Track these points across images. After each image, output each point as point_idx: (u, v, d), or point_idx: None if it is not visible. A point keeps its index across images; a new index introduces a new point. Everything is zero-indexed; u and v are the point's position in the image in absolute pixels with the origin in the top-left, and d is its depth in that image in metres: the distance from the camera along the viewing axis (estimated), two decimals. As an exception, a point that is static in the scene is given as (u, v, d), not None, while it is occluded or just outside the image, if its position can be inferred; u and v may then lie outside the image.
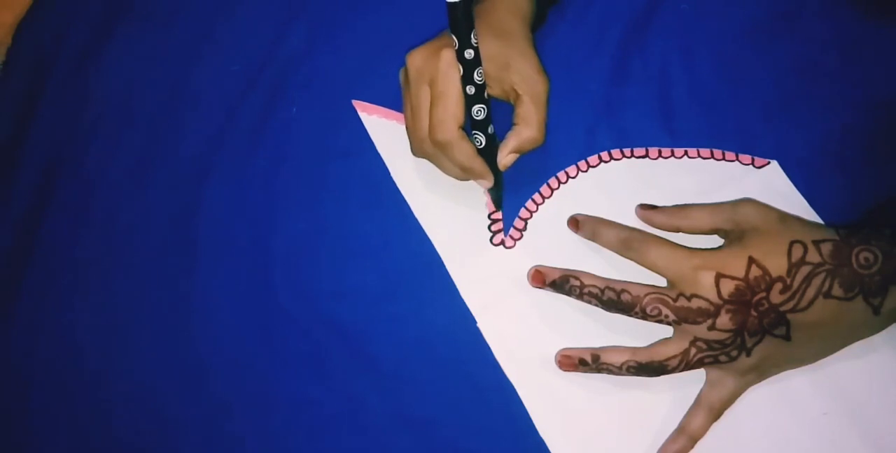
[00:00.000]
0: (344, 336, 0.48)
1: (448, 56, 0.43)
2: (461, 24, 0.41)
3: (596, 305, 0.44)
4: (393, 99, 0.52)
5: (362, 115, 0.52)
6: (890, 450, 0.43)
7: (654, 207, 0.47)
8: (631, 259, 0.44)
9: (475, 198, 0.50)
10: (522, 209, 0.49)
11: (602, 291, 0.43)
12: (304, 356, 0.48)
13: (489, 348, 0.47)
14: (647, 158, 0.49)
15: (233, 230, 0.51)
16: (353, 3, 0.56)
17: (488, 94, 0.44)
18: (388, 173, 0.51)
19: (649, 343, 0.43)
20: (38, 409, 0.50)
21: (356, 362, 0.48)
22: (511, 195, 0.49)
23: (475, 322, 0.47)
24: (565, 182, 0.49)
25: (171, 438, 0.48)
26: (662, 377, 0.43)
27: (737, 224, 0.43)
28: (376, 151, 0.51)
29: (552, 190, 0.49)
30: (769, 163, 0.48)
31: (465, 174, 0.46)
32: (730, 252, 0.41)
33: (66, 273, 0.53)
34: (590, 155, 0.49)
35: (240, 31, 0.57)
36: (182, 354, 0.49)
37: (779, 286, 0.40)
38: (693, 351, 0.41)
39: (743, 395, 0.44)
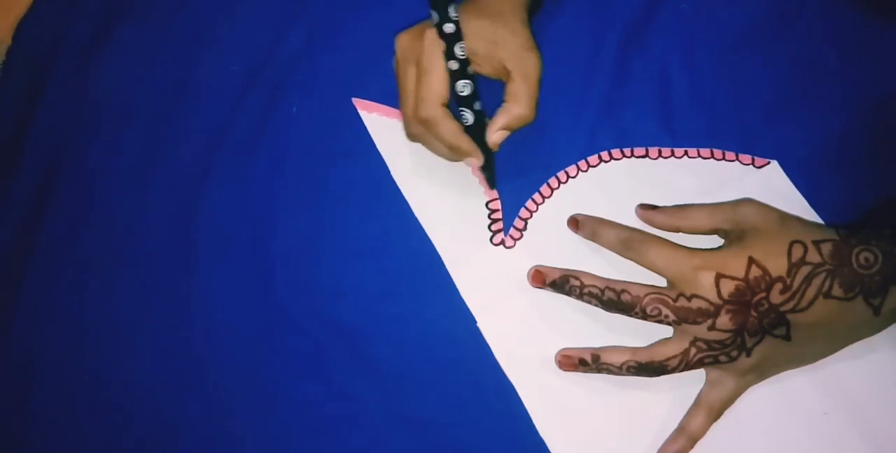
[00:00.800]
0: (344, 336, 0.48)
1: (432, 35, 0.44)
2: None
3: (596, 305, 0.44)
4: (393, 98, 0.52)
5: (362, 113, 0.52)
6: (890, 450, 0.43)
7: (654, 207, 0.47)
8: (631, 259, 0.44)
9: (475, 197, 0.50)
10: (522, 209, 0.49)
11: (602, 291, 0.43)
12: (304, 356, 0.48)
13: (489, 348, 0.47)
14: (647, 158, 0.49)
15: (233, 230, 0.51)
16: (353, 3, 0.56)
17: (479, 72, 0.45)
18: (389, 173, 0.51)
19: (649, 343, 0.43)
20: (38, 409, 0.50)
21: (356, 362, 0.48)
22: (511, 195, 0.49)
23: (475, 322, 0.47)
24: (565, 182, 0.49)
25: (171, 438, 0.48)
26: (662, 377, 0.43)
27: (737, 224, 0.43)
28: (376, 151, 0.51)
29: (552, 190, 0.49)
30: (769, 163, 0.48)
31: (452, 153, 0.46)
32: (730, 252, 0.41)
33: (66, 273, 0.53)
34: (590, 155, 0.49)
35: (240, 31, 0.57)
36: (182, 354, 0.49)
37: (779, 286, 0.40)
38: (693, 351, 0.41)
39: (743, 395, 0.44)
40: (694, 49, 0.51)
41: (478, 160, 0.46)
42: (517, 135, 0.48)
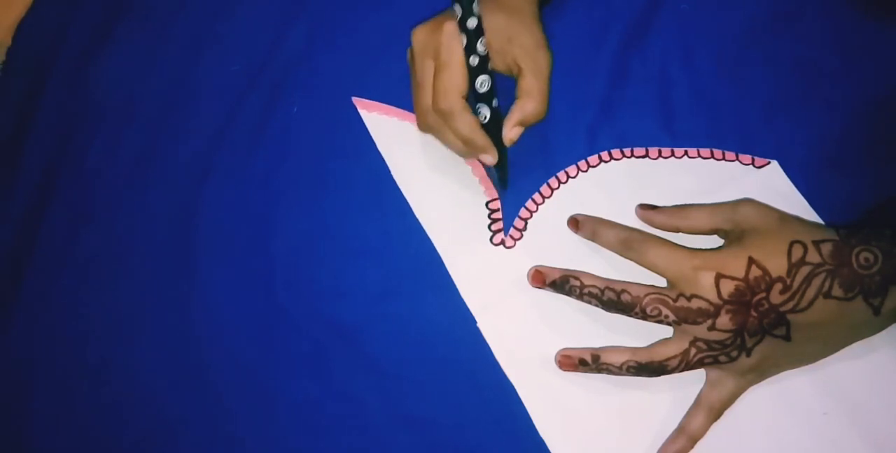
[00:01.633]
0: (344, 336, 0.48)
1: (450, 28, 0.44)
2: None
3: (596, 305, 0.44)
4: (393, 98, 0.52)
5: (362, 112, 0.52)
6: (890, 450, 0.43)
7: (654, 207, 0.47)
8: (631, 259, 0.44)
9: (475, 197, 0.50)
10: (522, 209, 0.49)
11: (602, 291, 0.43)
12: (304, 356, 0.48)
13: (489, 348, 0.47)
14: (647, 158, 0.49)
15: (233, 230, 0.51)
16: (353, 2, 0.56)
17: (492, 68, 0.45)
18: (389, 173, 0.51)
19: (649, 343, 0.43)
20: (38, 409, 0.50)
21: (356, 362, 0.48)
22: (511, 195, 0.49)
23: (475, 322, 0.47)
24: (565, 182, 0.49)
25: (171, 438, 0.48)
26: (662, 377, 0.43)
27: (737, 224, 0.43)
28: (376, 151, 0.51)
29: (552, 190, 0.49)
30: (769, 163, 0.48)
31: (467, 148, 0.46)
32: (730, 252, 0.41)
33: (66, 273, 0.53)
34: (590, 155, 0.49)
35: (240, 31, 0.57)
36: (182, 354, 0.49)
37: (779, 286, 0.40)
38: (693, 351, 0.41)
39: (743, 395, 0.44)
40: (694, 49, 0.51)
41: (492, 157, 0.46)
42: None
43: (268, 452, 0.47)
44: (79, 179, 0.55)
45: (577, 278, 0.44)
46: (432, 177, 0.50)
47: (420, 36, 0.46)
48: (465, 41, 0.43)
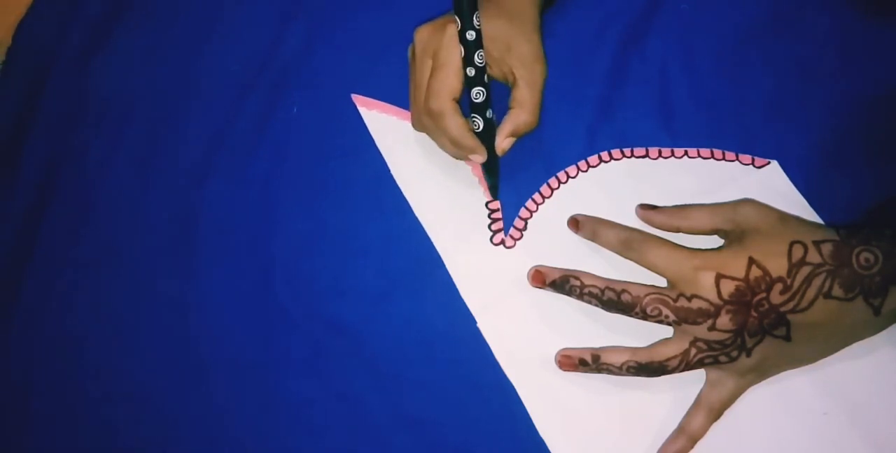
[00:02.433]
0: (344, 336, 0.48)
1: (453, 30, 0.44)
2: (464, 4, 0.41)
3: (596, 305, 0.44)
4: (393, 98, 0.52)
5: (361, 110, 0.52)
6: (890, 450, 0.43)
7: (654, 207, 0.47)
8: (631, 259, 0.44)
9: (476, 197, 0.50)
10: (522, 209, 0.49)
11: (602, 291, 0.43)
12: (304, 356, 0.48)
13: (489, 348, 0.47)
14: (647, 158, 0.49)
15: (233, 230, 0.51)
16: (352, 2, 0.56)
17: (488, 77, 0.45)
18: (388, 173, 0.51)
19: (649, 343, 0.43)
20: (38, 409, 0.50)
21: (356, 362, 0.48)
22: (511, 195, 0.49)
23: (475, 322, 0.47)
24: (565, 182, 0.49)
25: (170, 438, 0.48)
26: (662, 377, 0.43)
27: (737, 224, 0.43)
28: (376, 151, 0.51)
29: (552, 190, 0.49)
30: (769, 163, 0.48)
31: (457, 149, 0.46)
32: (730, 252, 0.41)
33: (66, 273, 0.53)
34: (590, 155, 0.49)
35: (240, 31, 0.57)
36: (182, 354, 0.49)
37: (779, 286, 0.40)
38: (693, 351, 0.41)
39: (743, 395, 0.44)
40: (694, 49, 0.51)
41: (481, 156, 0.46)
42: (517, 135, 0.48)
43: (267, 452, 0.47)
44: (79, 179, 0.55)
45: (577, 278, 0.44)
46: (432, 176, 0.50)
47: (423, 35, 0.46)
48: (463, 52, 0.43)
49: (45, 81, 0.58)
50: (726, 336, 0.40)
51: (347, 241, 0.50)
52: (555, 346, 0.46)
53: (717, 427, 0.44)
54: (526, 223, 0.49)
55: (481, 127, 0.46)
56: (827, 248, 0.40)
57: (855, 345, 0.43)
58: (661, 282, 0.43)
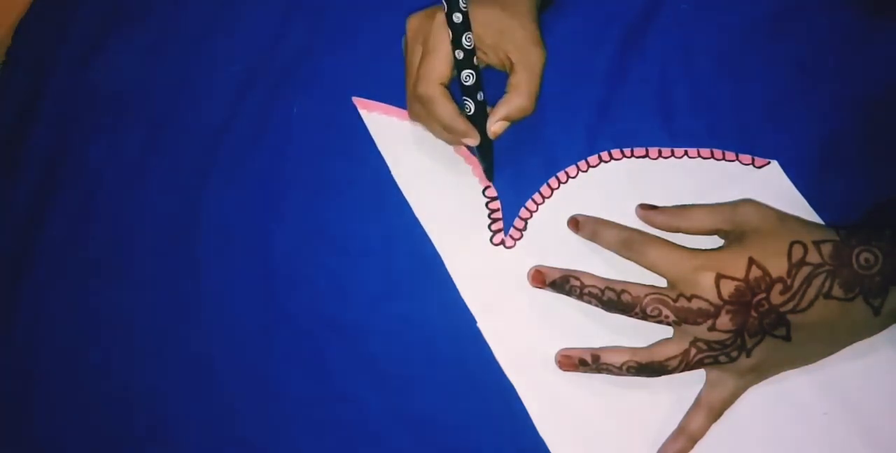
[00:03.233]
0: (344, 336, 0.48)
1: (442, 17, 0.44)
2: None
3: (596, 305, 0.44)
4: (393, 98, 0.52)
5: (362, 112, 0.52)
6: (890, 450, 0.43)
7: (654, 207, 0.47)
8: (631, 259, 0.44)
9: (476, 197, 0.50)
10: (522, 209, 0.49)
11: (602, 291, 0.43)
12: (305, 356, 0.48)
13: (489, 348, 0.47)
14: (647, 158, 0.49)
15: (233, 230, 0.51)
16: (353, 2, 0.56)
17: (484, 61, 0.45)
18: (389, 173, 0.51)
19: (649, 343, 0.43)
20: (40, 409, 0.50)
21: (356, 362, 0.48)
22: (511, 195, 0.49)
23: (475, 322, 0.47)
24: (565, 182, 0.49)
25: (171, 437, 0.48)
26: (662, 377, 0.43)
27: (737, 224, 0.43)
28: (376, 151, 0.51)
29: (552, 190, 0.49)
30: (769, 163, 0.48)
31: (449, 134, 0.46)
32: (730, 252, 0.41)
33: (67, 273, 0.53)
34: (590, 155, 0.49)
35: (240, 30, 0.57)
36: (182, 353, 0.49)
37: (779, 287, 0.40)
38: (693, 351, 0.41)
39: (743, 395, 0.44)
40: (694, 49, 0.51)
41: (473, 140, 0.46)
42: (517, 134, 0.48)
43: (268, 451, 0.47)
44: (79, 179, 0.55)
45: (577, 278, 0.44)
46: (432, 176, 0.50)
47: (413, 23, 0.47)
48: (451, 35, 0.43)
49: (45, 81, 0.58)
50: (726, 336, 0.40)
51: (347, 241, 0.50)
52: (555, 346, 0.46)
53: (717, 427, 0.44)
54: (526, 223, 0.49)
55: (473, 110, 0.46)
56: (827, 248, 0.40)
57: (855, 345, 0.43)
58: (661, 282, 0.43)
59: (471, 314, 0.47)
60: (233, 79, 0.55)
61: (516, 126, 0.47)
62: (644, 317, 0.42)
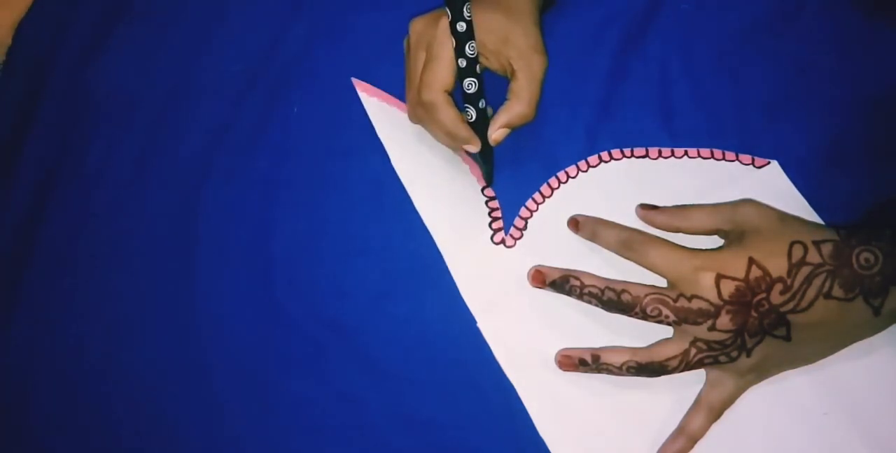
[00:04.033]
0: (344, 336, 0.48)
1: (446, 23, 0.44)
2: None
3: (596, 305, 0.44)
4: (393, 95, 0.52)
5: (362, 96, 0.52)
6: (890, 450, 0.43)
7: (654, 207, 0.47)
8: (631, 259, 0.44)
9: (476, 197, 0.50)
10: (522, 209, 0.49)
11: (602, 291, 0.43)
12: (304, 356, 0.48)
13: (489, 348, 0.47)
14: (647, 158, 0.49)
15: (233, 230, 0.51)
16: (352, 2, 0.56)
17: (486, 68, 0.45)
18: (390, 172, 0.51)
19: (649, 343, 0.43)
20: (38, 409, 0.50)
21: (356, 362, 0.48)
22: (511, 195, 0.49)
23: (475, 322, 0.47)
24: (565, 182, 0.49)
25: (170, 437, 0.48)
26: (662, 377, 0.43)
27: (737, 224, 0.43)
28: (377, 151, 0.51)
29: (552, 190, 0.49)
30: (769, 163, 0.48)
31: (451, 140, 0.46)
32: (730, 252, 0.41)
33: (66, 273, 0.53)
34: (590, 155, 0.49)
35: (240, 30, 0.57)
36: (182, 354, 0.49)
37: (779, 287, 0.40)
38: (693, 351, 0.41)
39: (743, 395, 0.44)
40: (694, 49, 0.51)
41: (475, 147, 0.46)
42: (518, 134, 0.48)
43: (267, 451, 0.47)
44: (79, 179, 0.55)
45: (577, 278, 0.44)
46: (433, 177, 0.50)
47: (417, 27, 0.47)
48: (454, 44, 0.44)
49: (45, 81, 0.58)
50: (726, 336, 0.40)
51: (348, 241, 0.50)
52: (555, 346, 0.46)
53: (717, 427, 0.44)
54: (526, 223, 0.49)
55: (474, 117, 0.46)
56: (827, 248, 0.40)
57: (855, 345, 0.43)
58: (661, 282, 0.43)
59: (471, 314, 0.47)
60: (233, 79, 0.55)
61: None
62: (644, 317, 0.42)
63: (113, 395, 0.49)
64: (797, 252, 0.40)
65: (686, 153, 0.49)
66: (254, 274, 0.50)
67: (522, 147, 0.50)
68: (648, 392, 0.45)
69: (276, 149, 0.53)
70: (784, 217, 0.43)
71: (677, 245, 0.43)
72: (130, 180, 0.54)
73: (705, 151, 0.49)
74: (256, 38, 0.56)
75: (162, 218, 0.53)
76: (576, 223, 0.47)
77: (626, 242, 0.44)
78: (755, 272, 0.40)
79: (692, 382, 0.44)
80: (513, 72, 0.46)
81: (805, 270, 0.40)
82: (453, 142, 0.47)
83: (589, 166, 0.49)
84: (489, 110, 0.47)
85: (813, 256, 0.40)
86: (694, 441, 0.43)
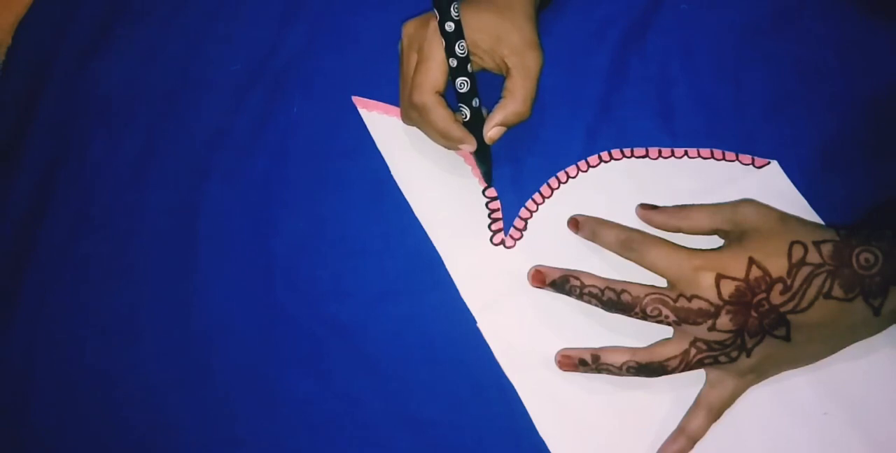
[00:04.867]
0: (344, 336, 0.48)
1: (436, 24, 0.44)
2: None
3: (596, 305, 0.44)
4: (393, 98, 0.52)
5: (362, 112, 0.52)
6: (890, 450, 0.43)
7: (654, 207, 0.47)
8: (631, 259, 0.44)
9: (476, 198, 0.50)
10: (522, 209, 0.49)
11: (602, 291, 0.43)
12: (304, 355, 0.48)
13: (489, 348, 0.47)
14: (647, 158, 0.49)
15: (233, 230, 0.51)
16: (353, 2, 0.56)
17: (481, 66, 0.45)
18: (389, 173, 0.51)
19: (649, 343, 0.43)
20: (38, 409, 0.50)
21: (356, 362, 0.48)
22: (511, 195, 0.49)
23: (475, 322, 0.47)
24: (565, 182, 0.49)
25: (171, 437, 0.48)
26: (662, 377, 0.43)
27: (737, 224, 0.43)
28: (376, 151, 0.51)
29: (552, 190, 0.49)
30: (769, 163, 0.48)
31: (445, 140, 0.46)
32: (730, 252, 0.41)
33: (67, 273, 0.53)
34: (590, 155, 0.49)
35: (240, 30, 0.57)
36: (182, 353, 0.49)
37: (779, 287, 0.40)
38: (693, 351, 0.41)
39: (743, 395, 0.44)
40: (694, 49, 0.51)
41: (471, 146, 0.46)
42: (518, 135, 0.48)
43: (267, 452, 0.47)
44: (79, 179, 0.55)
45: (577, 278, 0.44)
46: (432, 176, 0.50)
47: (409, 30, 0.47)
48: (444, 44, 0.44)
49: (45, 81, 0.58)
50: (726, 336, 0.40)
51: (347, 241, 0.50)
52: (555, 346, 0.46)
53: (717, 427, 0.44)
54: (526, 223, 0.49)
55: (469, 116, 0.46)
56: (827, 249, 0.40)
57: (855, 345, 0.43)
58: (661, 282, 0.43)
59: (470, 314, 0.47)
60: (233, 79, 0.55)
61: (517, 126, 0.47)
62: (644, 317, 0.42)
63: (113, 395, 0.49)
64: (797, 252, 0.40)
65: (686, 153, 0.49)
66: (254, 274, 0.50)
67: (522, 147, 0.50)
68: (648, 392, 0.45)
69: (276, 149, 0.53)
70: (784, 217, 0.43)
71: (677, 245, 0.43)
72: (130, 180, 0.54)
73: (705, 151, 0.49)
74: (256, 38, 0.56)
75: (162, 218, 0.53)
76: (576, 223, 0.47)
77: (625, 242, 0.44)
78: (755, 272, 0.40)
79: (692, 382, 0.44)
80: (507, 69, 0.46)
81: (805, 270, 0.40)
82: (448, 143, 0.47)
83: (589, 166, 0.49)
84: (484, 110, 0.47)
85: (813, 256, 0.40)
86: (694, 441, 0.43)
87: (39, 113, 0.57)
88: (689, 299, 0.41)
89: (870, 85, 0.49)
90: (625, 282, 0.43)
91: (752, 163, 0.48)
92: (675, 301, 0.41)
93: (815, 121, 0.48)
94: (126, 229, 0.53)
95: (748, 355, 0.41)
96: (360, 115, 0.52)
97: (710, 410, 0.43)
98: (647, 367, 0.42)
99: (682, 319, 0.41)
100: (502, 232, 0.49)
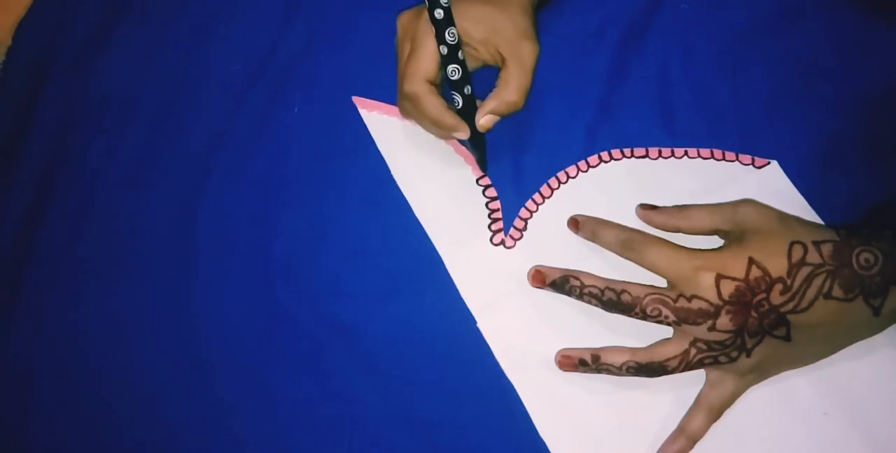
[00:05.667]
0: (344, 336, 0.48)
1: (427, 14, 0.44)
2: None
3: (596, 305, 0.44)
4: (393, 98, 0.52)
5: (362, 112, 0.52)
6: (890, 450, 0.43)
7: (654, 207, 0.47)
8: (631, 260, 0.44)
9: (476, 198, 0.50)
10: (522, 209, 0.49)
11: (602, 291, 0.43)
12: (304, 356, 0.48)
13: (489, 348, 0.47)
14: (647, 158, 0.49)
15: (233, 230, 0.51)
16: (352, 2, 0.56)
17: (478, 59, 0.45)
18: (389, 173, 0.51)
19: (649, 343, 0.43)
20: (38, 409, 0.50)
21: (356, 362, 0.48)
22: (511, 195, 0.49)
23: (475, 322, 0.47)
24: (565, 182, 0.49)
25: (171, 438, 0.48)
26: (662, 377, 0.43)
27: (737, 224, 0.43)
28: (376, 151, 0.51)
29: (552, 190, 0.49)
30: (769, 163, 0.48)
31: (438, 129, 0.46)
32: (730, 253, 0.41)
33: (66, 273, 0.53)
34: (590, 155, 0.49)
35: (240, 31, 0.56)
36: (182, 354, 0.49)
37: (779, 287, 0.40)
38: (693, 351, 0.41)
39: (743, 395, 0.44)
40: (694, 49, 0.51)
41: (464, 133, 0.46)
42: (518, 135, 0.48)
43: (267, 452, 0.47)
44: (79, 179, 0.55)
45: (577, 278, 0.44)
46: (432, 176, 0.50)
47: (403, 21, 0.47)
48: (434, 30, 0.44)
49: (45, 81, 0.58)
50: (726, 336, 0.40)
51: (347, 241, 0.50)
52: (555, 346, 0.46)
53: (717, 427, 0.44)
54: (526, 223, 0.49)
55: (461, 104, 0.46)
56: (827, 249, 0.40)
57: (855, 345, 0.43)
58: (661, 282, 0.43)
59: (470, 314, 0.47)
60: (233, 79, 0.55)
61: (517, 125, 0.47)
62: (644, 317, 0.42)
63: (113, 395, 0.49)
64: (797, 252, 0.40)
65: (686, 153, 0.49)
66: (254, 273, 0.50)
67: (522, 147, 0.50)
68: (648, 392, 0.45)
69: (276, 149, 0.53)
70: (784, 217, 0.43)
71: (677, 245, 0.43)
72: (130, 180, 0.54)
73: (705, 151, 0.49)
74: (256, 38, 0.56)
75: (162, 217, 0.53)
76: (576, 223, 0.47)
77: (625, 242, 0.44)
78: (755, 272, 0.40)
79: (692, 382, 0.44)
80: (503, 60, 0.46)
81: (805, 270, 0.40)
82: (441, 131, 0.47)
83: (589, 166, 0.49)
84: (477, 101, 0.47)
85: (813, 256, 0.40)
86: (694, 441, 0.43)
87: (39, 113, 0.57)
88: (689, 299, 0.41)
89: (870, 84, 0.49)
90: (625, 282, 0.43)
91: (752, 164, 0.48)
92: (675, 301, 0.41)
93: (815, 121, 0.48)
94: (126, 229, 0.53)
95: (748, 355, 0.41)
96: (360, 115, 0.52)
97: (710, 410, 0.43)
98: (647, 367, 0.42)
99: (682, 319, 0.41)
100: (502, 232, 0.49)
